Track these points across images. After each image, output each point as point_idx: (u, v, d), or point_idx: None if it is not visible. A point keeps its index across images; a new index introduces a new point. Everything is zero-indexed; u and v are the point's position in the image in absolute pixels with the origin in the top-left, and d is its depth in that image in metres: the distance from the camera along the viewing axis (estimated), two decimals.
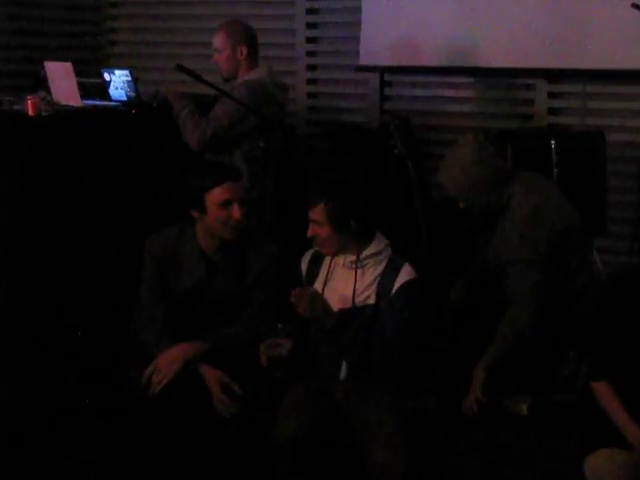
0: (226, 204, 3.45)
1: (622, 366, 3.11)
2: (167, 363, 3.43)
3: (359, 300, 3.39)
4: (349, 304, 3.39)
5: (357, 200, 3.41)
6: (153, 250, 3.62)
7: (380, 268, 3.42)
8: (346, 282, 3.42)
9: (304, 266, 3.56)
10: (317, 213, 3.39)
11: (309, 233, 3.44)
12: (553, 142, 4.63)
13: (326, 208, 3.37)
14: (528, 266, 3.92)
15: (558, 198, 4.08)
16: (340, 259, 3.46)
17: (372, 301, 3.38)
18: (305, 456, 3.16)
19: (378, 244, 3.45)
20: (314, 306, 3.28)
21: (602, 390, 3.12)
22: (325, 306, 3.31)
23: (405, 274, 3.39)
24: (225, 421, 3.38)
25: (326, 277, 3.46)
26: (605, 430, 3.08)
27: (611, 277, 3.67)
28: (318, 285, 3.46)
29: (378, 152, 4.66)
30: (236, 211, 3.45)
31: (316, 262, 3.53)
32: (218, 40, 4.52)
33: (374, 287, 3.39)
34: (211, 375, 3.43)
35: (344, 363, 3.38)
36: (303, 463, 3.17)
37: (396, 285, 3.37)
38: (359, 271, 3.41)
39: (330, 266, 3.48)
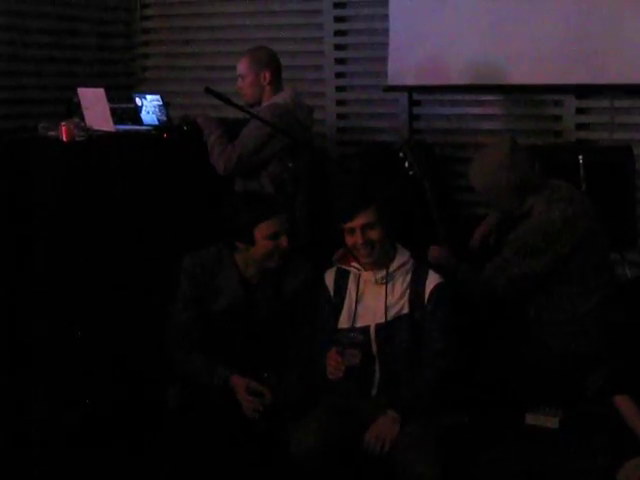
0: (274, 236, 3.60)
1: None
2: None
3: (393, 312, 3.47)
4: (382, 318, 3.47)
5: (395, 202, 3.57)
6: (190, 269, 3.70)
7: (408, 279, 3.52)
8: (377, 297, 3.51)
9: (329, 282, 3.62)
10: (369, 216, 3.46)
11: (357, 240, 3.47)
12: (581, 157, 4.63)
13: (377, 208, 3.48)
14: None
15: (581, 211, 3.92)
16: (369, 276, 3.54)
17: (406, 311, 3.48)
18: (323, 472, 3.20)
19: (402, 256, 3.56)
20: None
21: (622, 402, 3.19)
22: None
23: (433, 280, 3.52)
24: (255, 420, 3.46)
25: (356, 294, 3.53)
26: (636, 441, 3.12)
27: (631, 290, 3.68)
28: (350, 303, 3.54)
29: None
30: (284, 241, 3.62)
31: (342, 277, 3.60)
32: (242, 67, 4.59)
33: (406, 297, 3.49)
34: (239, 384, 3.52)
35: (376, 378, 3.45)
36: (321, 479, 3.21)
37: (427, 291, 3.49)
38: (389, 285, 3.49)
39: (358, 284, 3.55)
